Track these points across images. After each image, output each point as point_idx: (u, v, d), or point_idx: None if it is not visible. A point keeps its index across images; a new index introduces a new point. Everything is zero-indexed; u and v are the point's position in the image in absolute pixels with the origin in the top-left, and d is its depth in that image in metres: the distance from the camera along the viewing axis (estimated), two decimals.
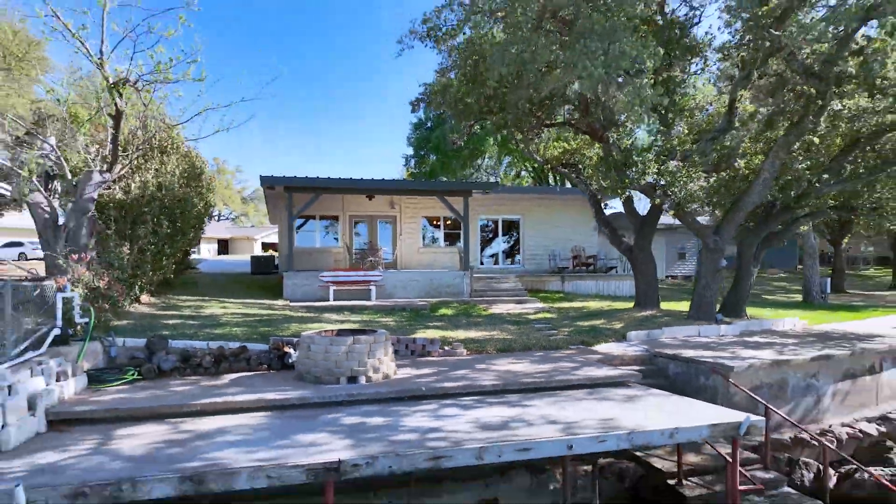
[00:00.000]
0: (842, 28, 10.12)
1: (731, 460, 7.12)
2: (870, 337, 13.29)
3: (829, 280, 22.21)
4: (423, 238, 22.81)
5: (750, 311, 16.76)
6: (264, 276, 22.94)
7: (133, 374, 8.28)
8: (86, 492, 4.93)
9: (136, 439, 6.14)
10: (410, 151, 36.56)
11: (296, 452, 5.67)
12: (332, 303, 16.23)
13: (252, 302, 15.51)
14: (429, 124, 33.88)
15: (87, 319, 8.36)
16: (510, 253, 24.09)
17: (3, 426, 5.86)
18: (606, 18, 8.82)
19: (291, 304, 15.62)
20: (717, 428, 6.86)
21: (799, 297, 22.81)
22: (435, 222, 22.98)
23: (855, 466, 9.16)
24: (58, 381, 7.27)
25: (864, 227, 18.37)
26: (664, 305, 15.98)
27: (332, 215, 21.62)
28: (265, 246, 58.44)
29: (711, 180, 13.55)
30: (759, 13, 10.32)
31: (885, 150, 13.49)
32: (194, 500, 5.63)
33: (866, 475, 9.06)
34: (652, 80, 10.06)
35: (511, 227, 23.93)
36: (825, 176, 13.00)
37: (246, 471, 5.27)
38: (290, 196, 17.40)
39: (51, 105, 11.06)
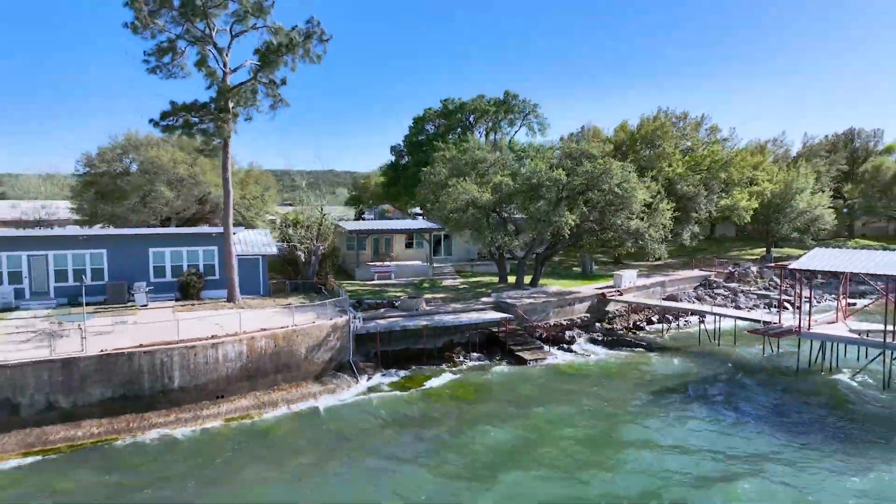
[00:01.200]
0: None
1: (507, 326, 31.64)
2: (577, 292, 38.56)
3: (593, 262, 47.97)
4: (406, 243, 46.16)
5: (546, 281, 41.84)
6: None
7: (359, 309, 31.41)
8: (385, 329, 28.46)
9: (382, 322, 29.56)
10: (384, 179, 59.05)
11: (416, 322, 29.40)
12: (377, 281, 39.41)
13: (348, 282, 38.39)
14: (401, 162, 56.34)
15: (343, 293, 31.35)
16: (448, 251, 47.95)
17: (361, 322, 29.04)
18: (475, 217, 33.00)
19: (366, 282, 38.66)
20: (502, 317, 31.38)
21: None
22: (410, 236, 46.33)
23: (540, 335, 34.25)
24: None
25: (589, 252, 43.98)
26: (510, 279, 40.50)
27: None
28: None
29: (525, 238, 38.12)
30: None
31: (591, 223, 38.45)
32: (397, 336, 29.29)
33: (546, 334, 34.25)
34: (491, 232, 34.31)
35: (449, 238, 47.69)
36: (562, 235, 37.80)
37: (411, 323, 29.00)
38: (356, 234, 40.23)
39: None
